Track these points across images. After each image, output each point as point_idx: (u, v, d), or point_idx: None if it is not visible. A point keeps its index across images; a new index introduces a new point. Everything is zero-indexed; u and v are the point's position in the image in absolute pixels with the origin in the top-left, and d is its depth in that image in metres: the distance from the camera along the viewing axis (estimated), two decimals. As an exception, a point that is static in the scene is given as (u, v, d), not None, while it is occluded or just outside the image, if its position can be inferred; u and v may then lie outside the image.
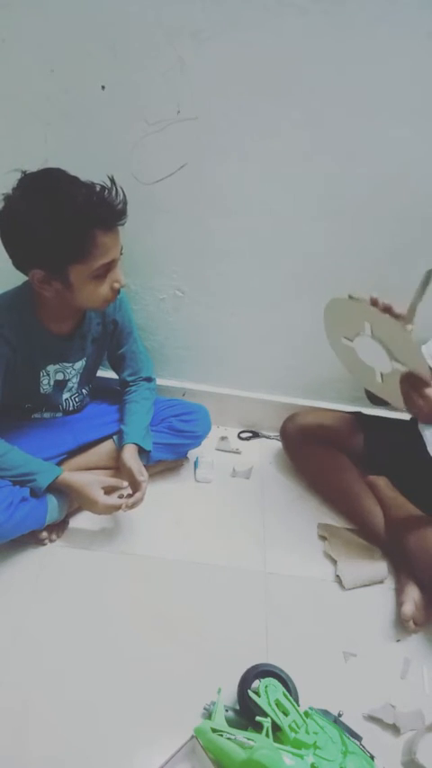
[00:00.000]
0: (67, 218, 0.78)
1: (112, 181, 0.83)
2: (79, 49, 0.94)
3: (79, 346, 1.05)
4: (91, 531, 1.09)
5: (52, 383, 1.05)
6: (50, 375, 1.03)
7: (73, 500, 1.04)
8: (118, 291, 0.92)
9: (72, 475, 0.99)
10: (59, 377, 1.05)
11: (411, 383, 0.89)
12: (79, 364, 1.07)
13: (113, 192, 0.83)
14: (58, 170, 0.82)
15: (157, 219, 1.12)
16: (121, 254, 0.90)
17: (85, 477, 1.01)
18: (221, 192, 1.08)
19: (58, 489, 0.99)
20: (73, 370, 1.07)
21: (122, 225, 0.86)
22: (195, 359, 1.37)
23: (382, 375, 0.96)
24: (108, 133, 1.01)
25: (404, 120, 0.98)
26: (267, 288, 1.23)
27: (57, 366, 1.03)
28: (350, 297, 0.92)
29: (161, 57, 0.93)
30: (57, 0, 0.89)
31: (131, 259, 1.18)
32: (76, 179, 0.82)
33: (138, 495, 1.03)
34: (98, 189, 0.82)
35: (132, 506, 1.03)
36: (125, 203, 0.85)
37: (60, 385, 1.07)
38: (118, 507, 1.00)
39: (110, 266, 0.87)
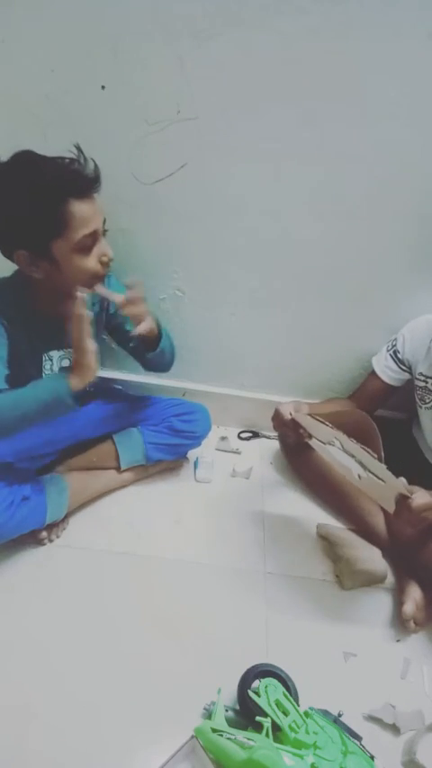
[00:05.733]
0: (39, 191, 0.78)
1: (79, 149, 0.83)
2: (79, 49, 0.94)
3: None
4: (91, 531, 1.09)
5: (57, 369, 1.02)
6: (54, 361, 1.01)
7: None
8: (107, 265, 0.89)
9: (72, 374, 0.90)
10: (65, 363, 1.02)
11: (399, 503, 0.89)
12: None
13: (82, 161, 0.82)
14: (26, 151, 0.81)
15: (158, 219, 1.12)
16: (106, 230, 0.88)
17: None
18: (221, 191, 1.08)
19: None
20: None
21: (97, 192, 0.85)
22: (195, 359, 1.37)
23: (359, 475, 0.96)
24: (108, 133, 1.01)
25: (404, 120, 0.98)
26: (267, 288, 1.23)
27: (61, 353, 1.01)
28: (312, 416, 0.95)
29: (161, 57, 0.93)
30: (57, 0, 0.90)
31: (131, 259, 1.18)
32: (44, 156, 0.82)
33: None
34: (67, 160, 0.82)
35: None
36: (97, 170, 0.83)
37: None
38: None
39: (94, 238, 0.85)
